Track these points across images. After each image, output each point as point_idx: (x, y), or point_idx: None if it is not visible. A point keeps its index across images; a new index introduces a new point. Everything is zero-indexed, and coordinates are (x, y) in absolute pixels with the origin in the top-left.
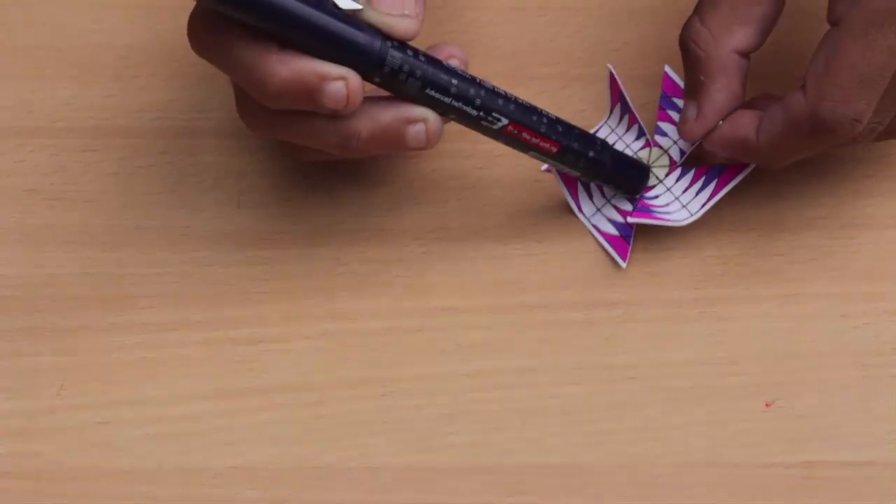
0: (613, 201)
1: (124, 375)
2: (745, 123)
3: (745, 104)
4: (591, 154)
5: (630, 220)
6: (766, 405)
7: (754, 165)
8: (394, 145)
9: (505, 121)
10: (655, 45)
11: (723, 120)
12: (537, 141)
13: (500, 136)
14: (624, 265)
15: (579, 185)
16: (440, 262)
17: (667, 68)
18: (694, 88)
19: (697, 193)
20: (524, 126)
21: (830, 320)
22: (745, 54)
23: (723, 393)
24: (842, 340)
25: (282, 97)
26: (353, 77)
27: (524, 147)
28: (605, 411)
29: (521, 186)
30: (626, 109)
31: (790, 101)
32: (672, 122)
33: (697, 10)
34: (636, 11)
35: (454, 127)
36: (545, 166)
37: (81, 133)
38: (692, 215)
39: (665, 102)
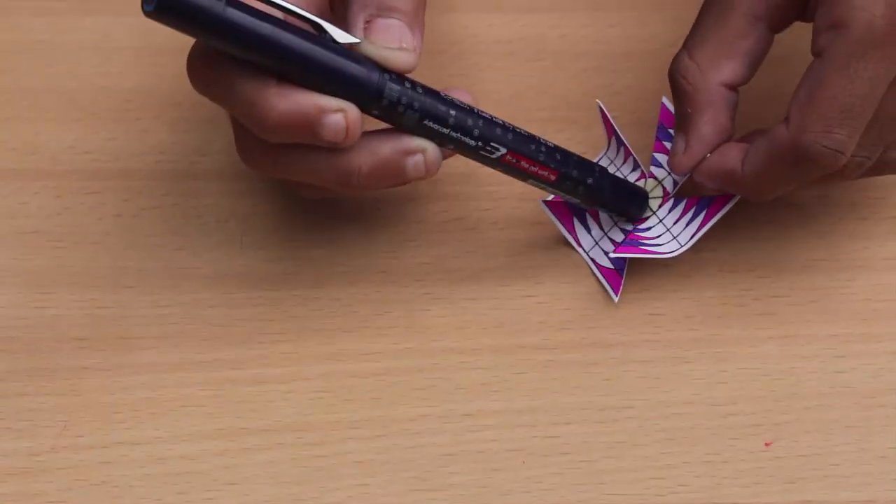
0: (610, 234)
1: (126, 415)
2: (732, 155)
3: (739, 140)
4: (590, 181)
5: (612, 255)
6: (766, 445)
7: (740, 197)
8: (394, 178)
9: (503, 150)
10: (655, 88)
11: (711, 152)
12: (536, 169)
13: (498, 165)
14: (616, 299)
15: (575, 220)
16: (441, 304)
17: (664, 99)
18: (682, 122)
19: (687, 224)
20: (522, 155)
21: (829, 361)
22: (732, 87)
23: (722, 433)
24: (841, 381)
25: (281, 131)
26: (351, 109)
27: (523, 175)
28: (605, 451)
29: (521, 228)
30: (620, 142)
31: (774, 132)
32: (667, 152)
33: (686, 45)
34: (635, 55)
35: (454, 170)
36: (550, 197)
37: (85, 175)
38: (682, 246)
39: (661, 133)
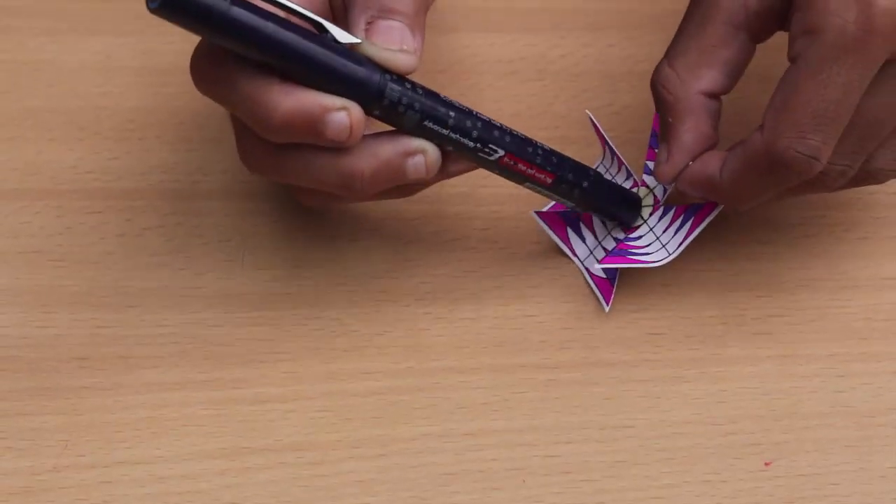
0: (604, 243)
1: (128, 435)
2: (712, 163)
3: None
4: (585, 184)
5: (598, 266)
6: (766, 464)
7: (721, 206)
8: (395, 179)
9: (501, 152)
10: (654, 108)
11: (693, 160)
12: (533, 172)
13: (496, 167)
14: (607, 308)
15: (569, 229)
16: (441, 323)
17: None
18: (665, 131)
19: (676, 232)
20: (519, 157)
21: (829, 380)
22: (713, 96)
23: (722, 452)
24: (840, 400)
25: (285, 129)
26: (354, 108)
27: (520, 178)
28: (606, 470)
29: (520, 248)
30: (612, 152)
31: (750, 139)
32: None
33: (667, 54)
34: (635, 74)
35: (454, 190)
36: (545, 208)
37: (87, 195)
38: (669, 255)
39: (654, 142)
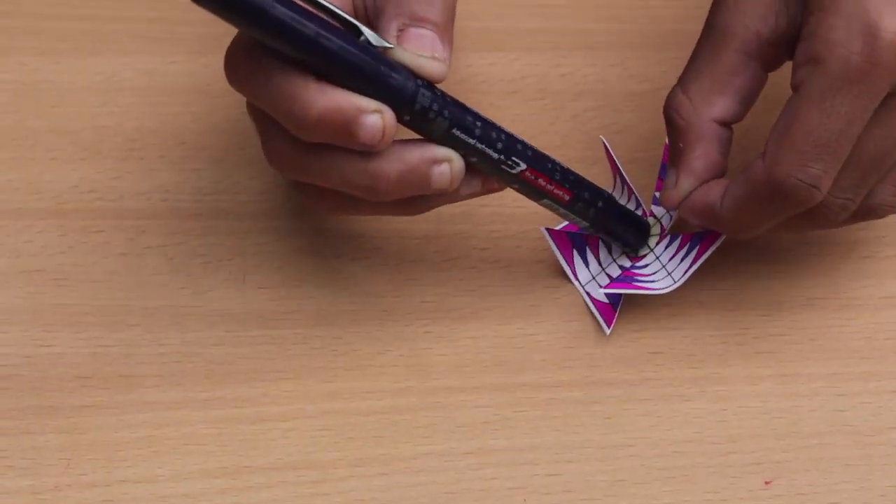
0: (608, 270)
1: (129, 453)
2: (714, 192)
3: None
4: (600, 204)
5: (605, 291)
6: (766, 483)
7: (723, 236)
8: (419, 186)
9: (523, 165)
10: (656, 128)
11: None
12: (552, 188)
13: (516, 181)
14: (608, 332)
15: (575, 252)
16: (442, 342)
17: (668, 141)
18: (675, 156)
19: (682, 260)
20: (540, 172)
21: (829, 399)
22: (725, 124)
23: (723, 471)
24: (841, 419)
25: (318, 128)
26: (388, 112)
27: (538, 195)
28: (606, 489)
29: (521, 267)
30: (623, 180)
31: (751, 167)
32: None
33: (680, 81)
34: (637, 94)
35: (455, 209)
36: (559, 227)
37: (89, 214)
38: (675, 283)
39: (663, 173)
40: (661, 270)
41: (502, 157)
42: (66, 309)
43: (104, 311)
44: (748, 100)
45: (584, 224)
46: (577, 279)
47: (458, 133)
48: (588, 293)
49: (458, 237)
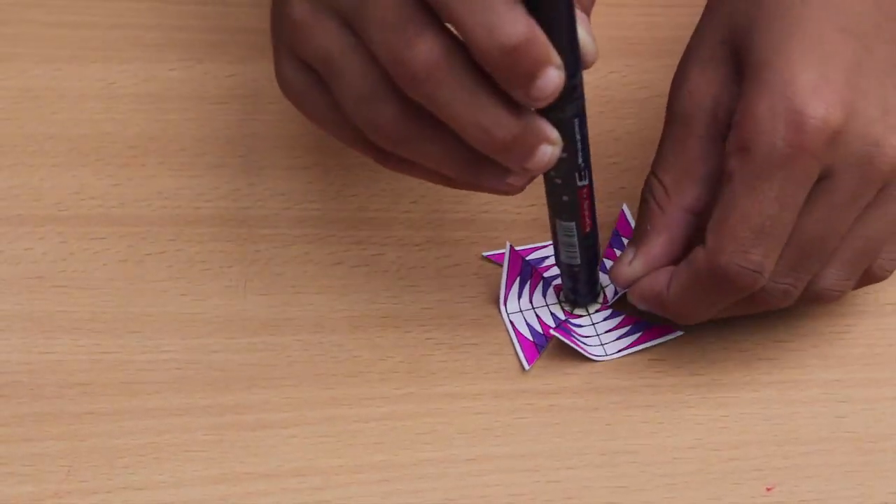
0: (538, 311)
1: (130, 460)
2: (660, 279)
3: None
4: (595, 250)
5: (553, 332)
6: (767, 490)
7: (681, 333)
8: (519, 156)
9: (587, 181)
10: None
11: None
12: (587, 213)
13: (570, 192)
14: (527, 367)
15: (518, 280)
16: (443, 349)
17: (624, 207)
18: (639, 236)
19: (619, 338)
20: (590, 195)
21: (830, 406)
22: (695, 213)
23: (724, 477)
24: (842, 426)
25: (512, 54)
26: (564, 73)
27: (570, 214)
28: (607, 496)
29: None
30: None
31: (694, 254)
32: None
33: (653, 166)
34: (636, 101)
35: (455, 216)
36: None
37: (90, 221)
38: (606, 356)
39: (615, 241)
40: (595, 338)
41: (584, 163)
42: (66, 316)
43: (104, 317)
44: (718, 181)
45: (574, 261)
46: (505, 305)
47: (577, 123)
48: (512, 322)
49: (460, 244)
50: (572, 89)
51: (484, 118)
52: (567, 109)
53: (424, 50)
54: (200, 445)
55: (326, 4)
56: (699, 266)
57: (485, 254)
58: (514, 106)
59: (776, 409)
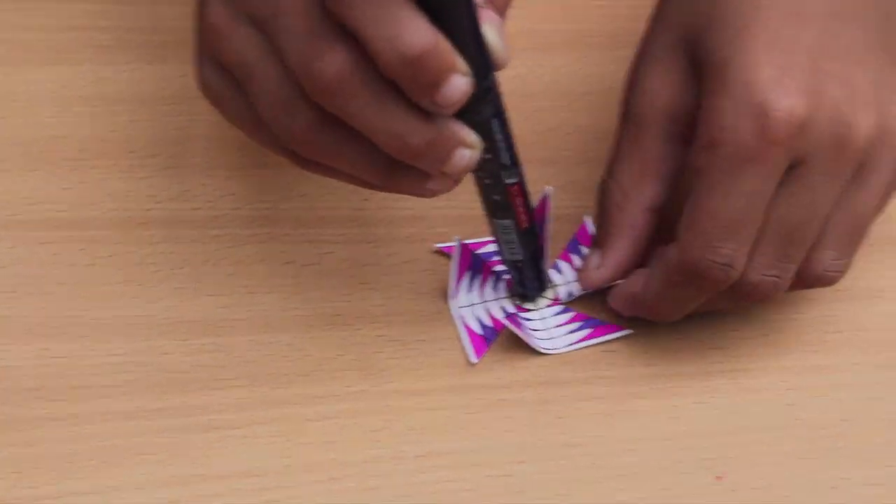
0: (488, 305)
1: (80, 465)
2: (637, 282)
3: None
4: (536, 244)
5: (504, 322)
6: (718, 479)
7: (631, 331)
8: (436, 161)
9: (516, 179)
10: (607, 128)
11: (624, 276)
12: (523, 210)
13: (500, 191)
14: (475, 360)
15: (467, 274)
16: (394, 346)
17: (586, 220)
18: (602, 239)
19: (569, 333)
20: (522, 192)
21: (781, 394)
22: (655, 211)
23: (675, 467)
24: (792, 413)
25: (410, 65)
26: (472, 80)
27: (504, 211)
28: (559, 489)
29: None
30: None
31: (666, 252)
32: (571, 264)
33: (608, 169)
34: (588, 94)
35: (405, 213)
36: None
37: (39, 225)
38: (555, 349)
39: (571, 247)
40: (545, 331)
41: (511, 162)
42: (16, 321)
43: (54, 322)
44: (674, 180)
45: (517, 257)
46: (455, 300)
47: (496, 123)
48: (462, 317)
49: (410, 240)
50: (485, 91)
51: (396, 126)
52: (483, 111)
53: (334, 62)
54: (151, 448)
55: (242, 10)
56: (671, 264)
57: (436, 245)
58: (426, 112)
59: (726, 397)
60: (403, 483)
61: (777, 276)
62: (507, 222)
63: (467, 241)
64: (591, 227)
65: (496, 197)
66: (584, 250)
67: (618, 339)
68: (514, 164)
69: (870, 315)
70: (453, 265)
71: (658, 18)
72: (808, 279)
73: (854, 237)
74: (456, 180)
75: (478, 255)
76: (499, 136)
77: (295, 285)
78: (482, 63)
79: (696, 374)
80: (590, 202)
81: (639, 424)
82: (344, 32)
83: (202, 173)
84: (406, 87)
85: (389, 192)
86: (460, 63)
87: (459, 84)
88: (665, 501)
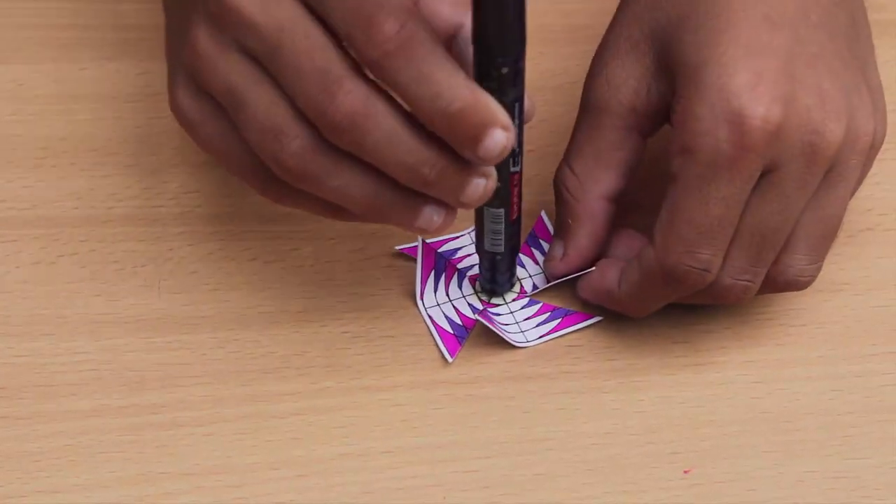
0: (456, 303)
1: (46, 464)
2: (610, 275)
3: (614, 240)
4: (518, 239)
5: (476, 317)
6: (685, 472)
7: (600, 318)
8: (450, 191)
9: (519, 167)
10: (567, 122)
11: (588, 264)
12: (517, 200)
13: (504, 179)
14: (451, 360)
15: (433, 273)
16: (359, 342)
17: (543, 214)
18: (563, 230)
19: (538, 325)
20: (519, 182)
21: (746, 387)
22: (611, 199)
23: (641, 461)
24: (758, 407)
25: (447, 120)
26: (513, 131)
27: (502, 201)
28: (526, 484)
29: None
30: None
31: (643, 254)
32: (532, 258)
33: (566, 157)
34: (549, 89)
35: None
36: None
37: (1, 223)
38: (527, 342)
39: (531, 241)
40: (515, 325)
41: (518, 148)
42: None
43: (17, 320)
44: (632, 170)
45: (498, 249)
46: (422, 300)
47: (516, 107)
48: (431, 317)
49: (374, 236)
50: (516, 74)
51: (411, 158)
52: (510, 94)
53: (346, 101)
54: (117, 446)
55: (233, 39)
56: (648, 265)
57: (397, 248)
58: (442, 142)
59: (692, 391)
60: (370, 479)
61: (749, 281)
62: (499, 211)
63: (429, 241)
64: (547, 223)
65: (497, 184)
66: (544, 244)
67: (583, 332)
68: (521, 152)
69: (833, 308)
70: (418, 266)
71: (625, 9)
72: (780, 284)
73: (825, 240)
74: (452, 218)
75: (440, 254)
76: (517, 122)
77: (258, 282)
78: (520, 39)
79: (660, 368)
80: (550, 196)
81: (605, 419)
82: (353, 67)
83: (164, 171)
84: (449, 140)
85: (372, 221)
86: (501, 117)
87: (500, 139)
88: (632, 495)
